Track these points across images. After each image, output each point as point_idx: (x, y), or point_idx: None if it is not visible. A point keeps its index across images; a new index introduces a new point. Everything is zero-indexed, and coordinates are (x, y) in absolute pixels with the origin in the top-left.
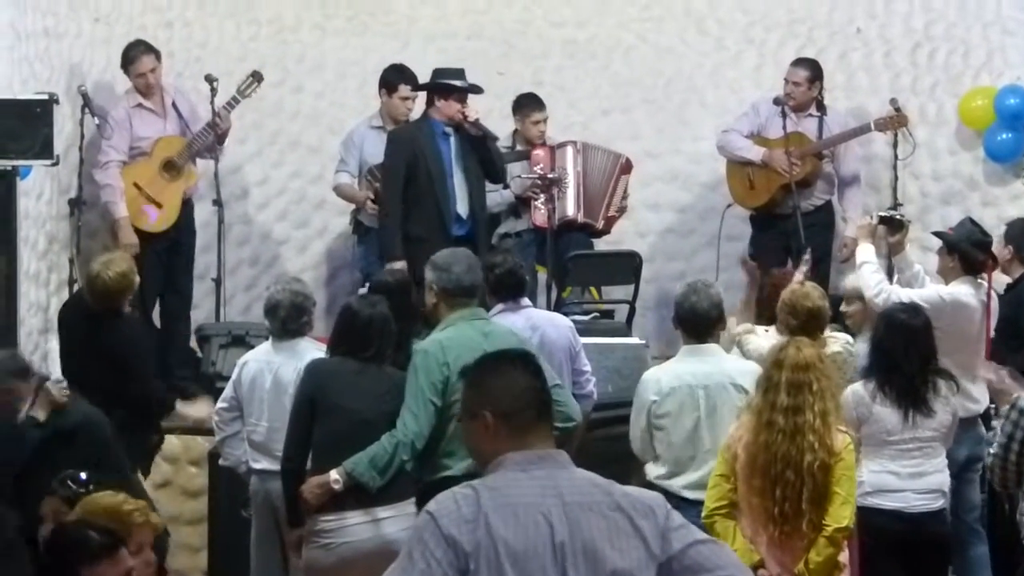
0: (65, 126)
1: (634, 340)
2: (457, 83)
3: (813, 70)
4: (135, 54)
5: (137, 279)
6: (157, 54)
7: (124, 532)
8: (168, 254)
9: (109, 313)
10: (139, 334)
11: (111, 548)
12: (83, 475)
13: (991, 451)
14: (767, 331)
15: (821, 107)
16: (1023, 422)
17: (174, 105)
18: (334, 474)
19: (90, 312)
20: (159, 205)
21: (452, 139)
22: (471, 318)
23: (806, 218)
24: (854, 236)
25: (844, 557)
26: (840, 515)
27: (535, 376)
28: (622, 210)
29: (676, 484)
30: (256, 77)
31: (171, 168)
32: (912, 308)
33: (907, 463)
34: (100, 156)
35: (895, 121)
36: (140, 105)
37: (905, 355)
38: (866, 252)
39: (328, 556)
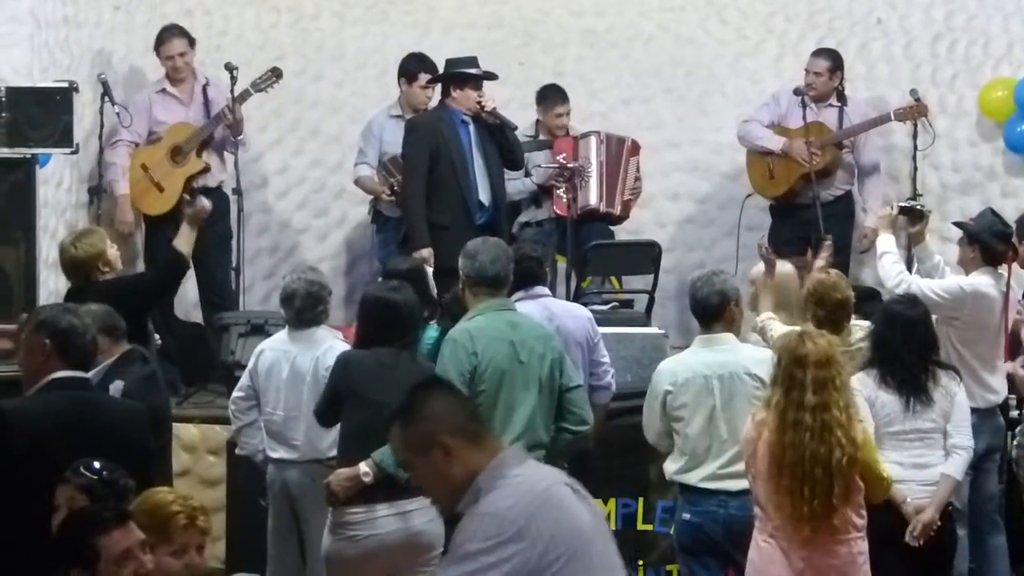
0: (85, 114)
1: (653, 330)
2: (472, 71)
3: (834, 60)
4: (167, 36)
5: (111, 253)
6: (191, 40)
7: (163, 533)
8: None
9: (86, 285)
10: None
11: (122, 518)
12: (96, 463)
13: (1017, 443)
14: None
15: (841, 97)
16: None
17: (204, 94)
18: (363, 467)
19: (69, 289)
20: (161, 188)
21: (471, 127)
22: (499, 308)
23: (826, 208)
24: (874, 226)
25: (863, 521)
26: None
27: (457, 391)
28: (636, 192)
29: (693, 477)
30: (275, 73)
31: (178, 154)
32: (909, 299)
33: (909, 454)
34: (113, 136)
35: (915, 111)
36: (164, 91)
37: (904, 346)
38: (886, 242)
39: (354, 548)
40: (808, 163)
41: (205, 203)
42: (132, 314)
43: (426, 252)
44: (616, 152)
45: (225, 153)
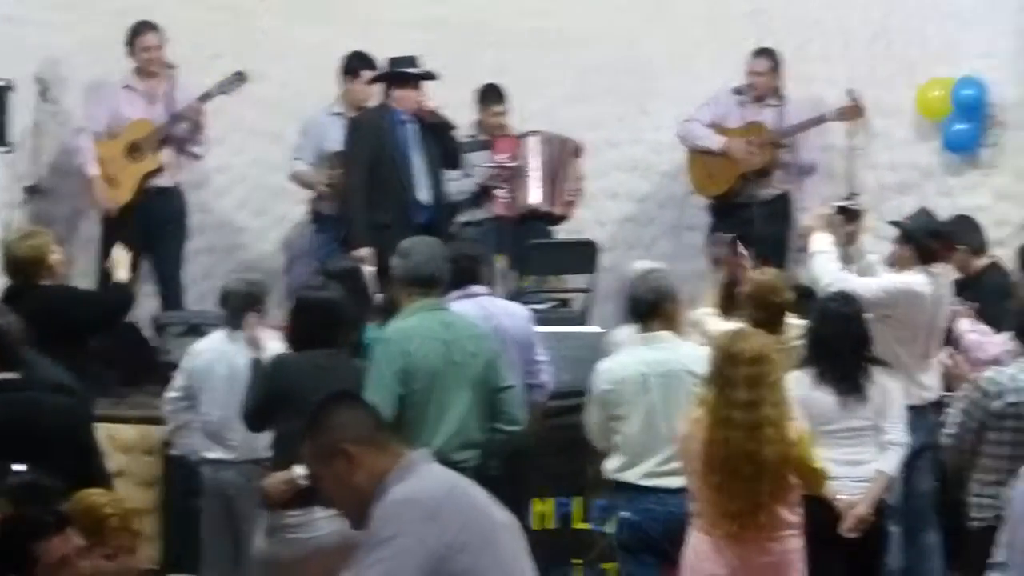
0: (21, 113)
1: (592, 328)
2: (412, 71)
3: (774, 59)
4: (142, 29)
5: (54, 258)
6: (162, 35)
7: (96, 535)
8: (145, 239)
9: (24, 287)
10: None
11: (60, 525)
12: (21, 467)
13: (947, 431)
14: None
15: (780, 97)
16: (982, 402)
17: (170, 94)
18: (299, 469)
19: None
20: (115, 184)
21: (412, 127)
22: (432, 308)
23: (764, 207)
24: (811, 225)
25: (798, 519)
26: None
27: (364, 403)
28: (578, 192)
29: (632, 475)
30: (240, 77)
31: (135, 150)
32: (844, 296)
33: (843, 451)
34: (77, 125)
35: (853, 111)
36: (129, 87)
37: (839, 343)
38: (821, 241)
39: (291, 551)
40: (747, 162)
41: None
42: (67, 327)
43: (365, 252)
44: (558, 152)
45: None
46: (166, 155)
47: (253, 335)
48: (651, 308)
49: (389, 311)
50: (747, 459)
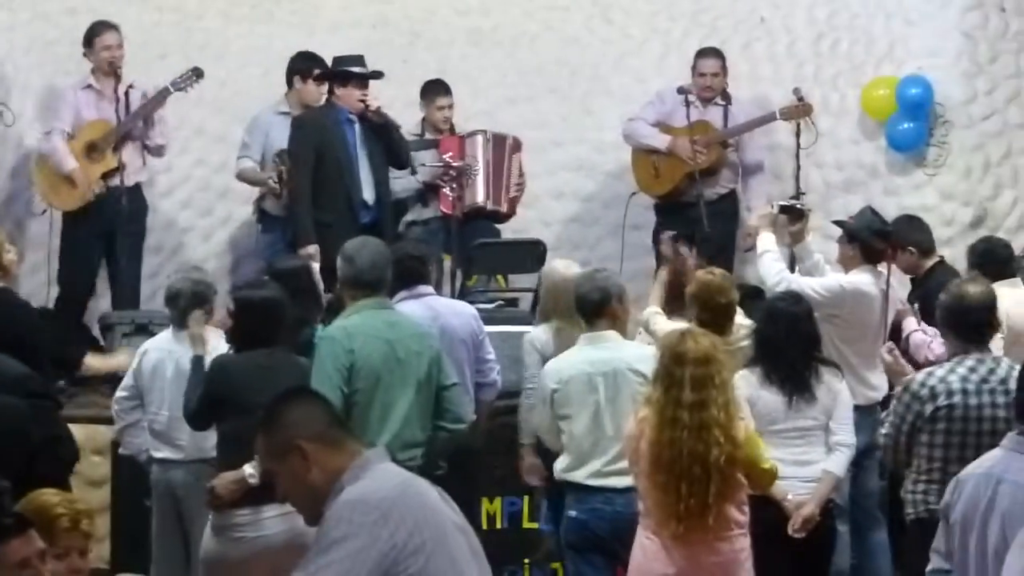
0: None
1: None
2: (355, 69)
3: (722, 59)
4: (102, 29)
5: (7, 255)
6: (120, 35)
7: (47, 535)
8: (105, 238)
9: None
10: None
11: (21, 528)
12: None
13: (883, 431)
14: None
15: (726, 96)
16: (914, 405)
17: (127, 95)
18: (248, 468)
19: None
20: (74, 184)
21: (356, 126)
22: (376, 307)
23: (711, 207)
24: (756, 225)
25: (745, 518)
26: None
27: (320, 399)
28: (521, 188)
29: (580, 475)
30: (196, 73)
31: (93, 150)
32: (792, 296)
33: (791, 451)
34: (44, 126)
35: (800, 110)
36: (89, 87)
37: (787, 342)
38: (767, 241)
39: (239, 550)
40: (693, 161)
41: None
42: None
43: (312, 249)
44: (499, 150)
45: (144, 153)
46: (126, 154)
47: (195, 333)
48: (596, 307)
49: (336, 310)
50: (694, 460)
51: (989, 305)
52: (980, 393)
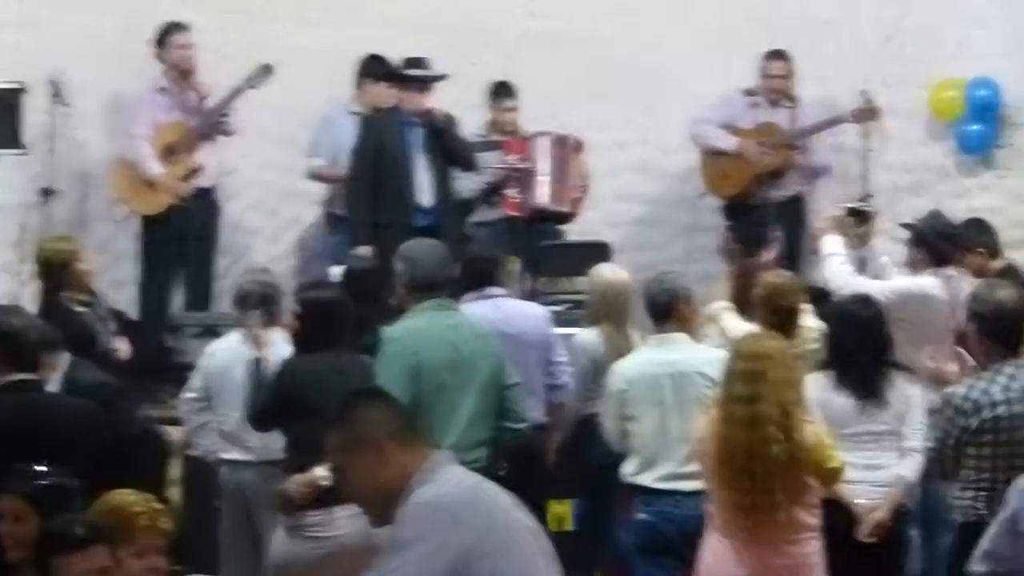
0: (36, 116)
1: None
2: (415, 72)
3: (790, 61)
4: (175, 29)
5: (80, 264)
6: (191, 36)
7: (124, 534)
8: (178, 242)
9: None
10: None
11: (84, 542)
12: (38, 468)
13: (929, 446)
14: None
15: (793, 98)
16: (958, 420)
17: (200, 95)
18: (320, 470)
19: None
20: (154, 188)
21: (419, 129)
22: (438, 308)
23: (777, 209)
24: (823, 227)
25: (816, 521)
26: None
27: (393, 400)
28: (584, 189)
29: (647, 478)
30: (266, 69)
31: (171, 153)
32: (863, 299)
33: (862, 455)
34: (125, 133)
35: (869, 112)
36: (163, 89)
37: (859, 346)
38: (833, 243)
39: (313, 551)
40: (760, 163)
41: None
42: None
43: (364, 251)
44: (559, 150)
45: (216, 154)
46: (202, 155)
47: (255, 333)
48: (664, 309)
49: (397, 312)
50: (749, 455)
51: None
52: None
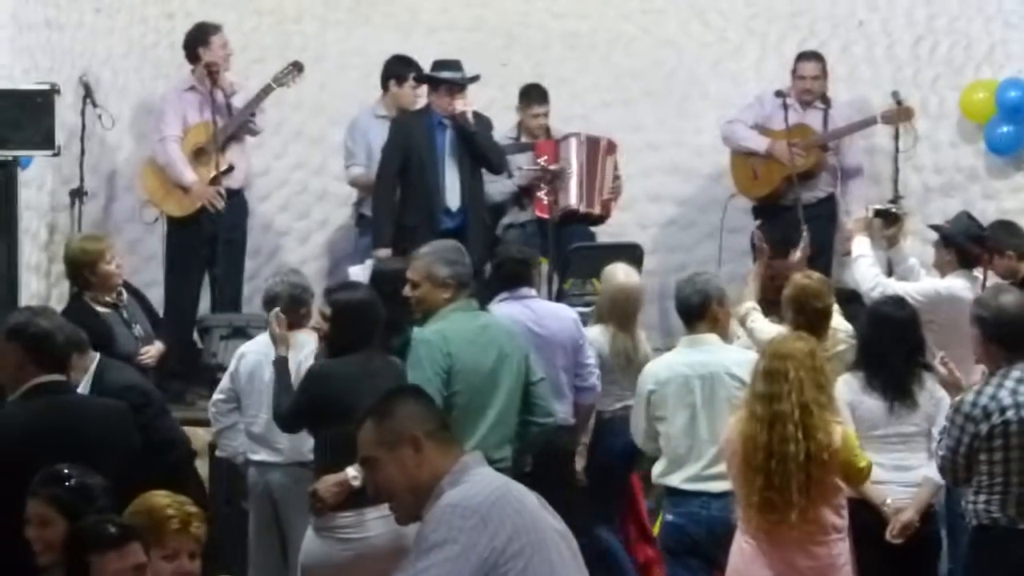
0: (67, 116)
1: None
2: (444, 75)
3: (823, 62)
4: (215, 29)
5: (105, 265)
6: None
7: (155, 536)
8: (207, 243)
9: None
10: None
11: (120, 540)
12: (64, 471)
13: (940, 453)
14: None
15: (825, 99)
16: (968, 427)
17: (230, 96)
18: (351, 471)
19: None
20: (185, 189)
21: (448, 132)
22: (467, 309)
23: (809, 210)
24: (852, 229)
25: (844, 522)
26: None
27: (431, 400)
28: (616, 192)
29: (675, 479)
30: (296, 66)
31: (201, 154)
32: (897, 301)
33: (891, 456)
34: (155, 134)
35: (901, 114)
36: (193, 88)
37: (892, 348)
38: (862, 245)
39: (345, 552)
40: (792, 164)
41: None
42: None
43: (384, 252)
44: (592, 152)
45: (245, 154)
46: (232, 156)
47: (277, 333)
48: (697, 310)
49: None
50: (770, 454)
51: None
52: None
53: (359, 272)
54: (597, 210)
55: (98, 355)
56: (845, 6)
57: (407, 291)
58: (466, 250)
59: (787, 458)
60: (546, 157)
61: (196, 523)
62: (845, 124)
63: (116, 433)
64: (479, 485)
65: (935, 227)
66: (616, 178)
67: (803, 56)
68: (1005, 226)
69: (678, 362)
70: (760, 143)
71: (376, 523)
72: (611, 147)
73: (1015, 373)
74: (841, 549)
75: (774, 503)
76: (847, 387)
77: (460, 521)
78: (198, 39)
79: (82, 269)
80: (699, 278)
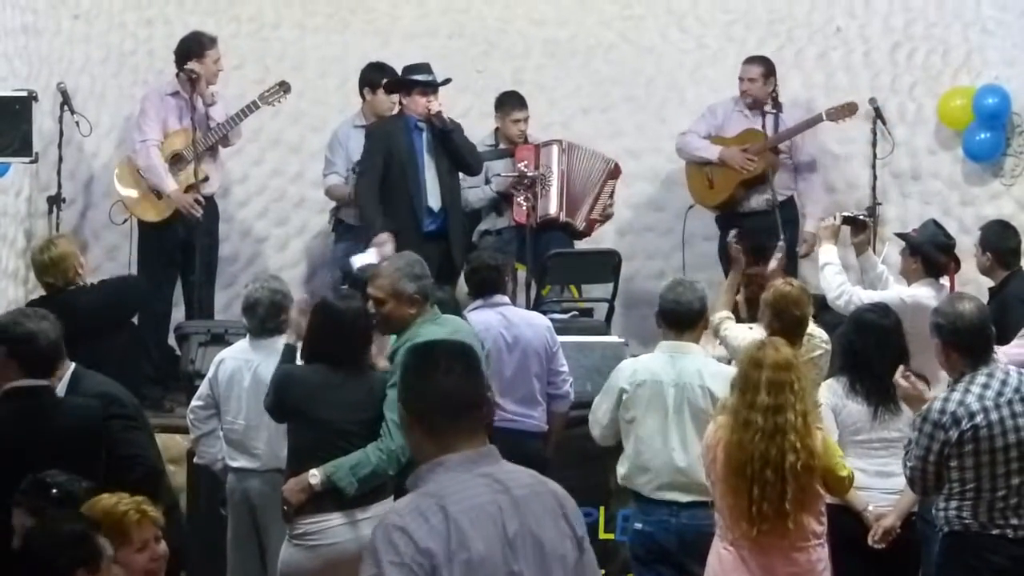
0: (44, 123)
1: (613, 339)
2: (419, 77)
3: (766, 66)
4: (212, 42)
5: (72, 264)
6: None
7: (120, 534)
8: (183, 251)
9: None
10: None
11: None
12: (47, 480)
13: (910, 464)
14: (751, 328)
15: (776, 104)
16: (938, 434)
17: (207, 103)
18: (313, 472)
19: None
20: (159, 195)
21: (425, 134)
22: (434, 319)
23: (767, 215)
24: (813, 231)
25: (823, 528)
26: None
27: (461, 374)
28: (607, 216)
29: (646, 487)
30: (283, 87)
31: (179, 161)
32: (881, 308)
33: (874, 462)
34: (137, 135)
35: (845, 110)
36: (176, 94)
37: (876, 354)
38: (829, 253)
39: (313, 558)
40: (744, 169)
41: None
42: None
43: (385, 236)
44: (597, 171)
45: (219, 162)
46: (206, 165)
47: (296, 318)
48: (693, 318)
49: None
50: (766, 464)
51: (985, 318)
52: (999, 407)
53: (366, 258)
54: (580, 226)
55: (73, 364)
56: (823, 13)
57: (371, 308)
58: (450, 250)
59: (785, 469)
60: (526, 162)
61: (148, 508)
62: (792, 125)
63: (90, 433)
64: (449, 506)
65: (901, 235)
66: (610, 204)
67: (747, 60)
68: (1001, 226)
69: (657, 366)
70: (711, 151)
71: (341, 530)
72: (616, 171)
73: (980, 379)
74: (820, 555)
75: (766, 513)
76: (830, 392)
77: (404, 547)
78: (193, 50)
79: (41, 273)
80: (694, 284)
